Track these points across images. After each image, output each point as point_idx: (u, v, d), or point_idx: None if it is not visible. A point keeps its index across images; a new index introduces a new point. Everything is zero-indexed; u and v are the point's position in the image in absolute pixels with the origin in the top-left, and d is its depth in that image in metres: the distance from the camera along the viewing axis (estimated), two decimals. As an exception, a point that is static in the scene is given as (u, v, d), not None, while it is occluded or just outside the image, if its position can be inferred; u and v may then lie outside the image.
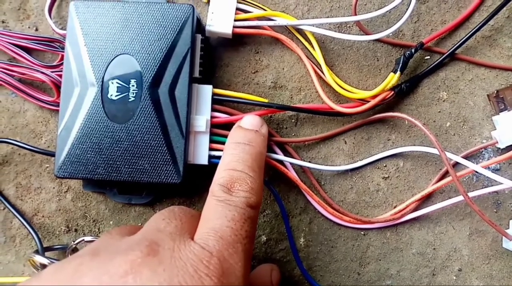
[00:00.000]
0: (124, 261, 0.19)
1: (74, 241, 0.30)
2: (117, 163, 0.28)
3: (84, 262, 0.19)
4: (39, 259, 0.28)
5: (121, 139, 0.28)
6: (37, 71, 0.31)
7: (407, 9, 0.29)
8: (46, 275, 0.20)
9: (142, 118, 0.28)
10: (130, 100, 0.28)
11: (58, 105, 0.31)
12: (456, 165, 0.30)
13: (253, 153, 0.25)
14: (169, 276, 0.18)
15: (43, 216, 0.32)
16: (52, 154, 0.31)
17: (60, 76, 0.30)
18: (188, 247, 0.20)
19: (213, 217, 0.22)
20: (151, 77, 0.28)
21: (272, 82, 0.32)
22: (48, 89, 0.32)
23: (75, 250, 0.31)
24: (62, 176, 0.28)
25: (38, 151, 0.30)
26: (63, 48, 0.31)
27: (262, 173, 0.25)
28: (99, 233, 0.32)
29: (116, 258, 0.19)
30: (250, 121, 0.27)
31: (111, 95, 0.28)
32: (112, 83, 0.28)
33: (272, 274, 0.28)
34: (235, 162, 0.24)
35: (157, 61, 0.28)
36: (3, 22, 0.33)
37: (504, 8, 0.31)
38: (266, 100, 0.30)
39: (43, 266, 0.28)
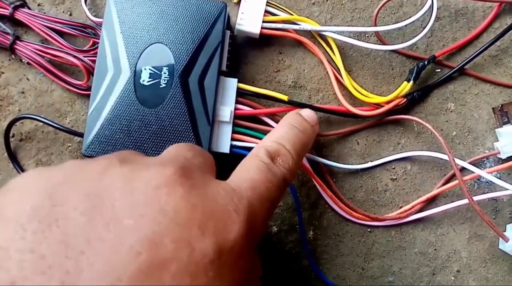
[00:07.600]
0: (160, 174, 0.17)
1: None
2: (145, 145, 0.29)
3: (112, 166, 0.17)
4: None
5: (150, 123, 0.29)
6: (70, 55, 0.32)
7: (424, 26, 0.31)
8: (68, 168, 0.17)
9: (172, 104, 0.29)
10: (161, 86, 0.29)
11: (85, 89, 0.33)
12: (461, 170, 0.32)
13: (303, 141, 0.26)
14: (201, 200, 0.17)
15: (61, 194, 0.33)
16: (76, 133, 0.32)
17: (91, 61, 0.31)
18: (219, 184, 0.19)
19: (254, 171, 0.22)
20: (182, 67, 0.29)
21: (292, 81, 0.34)
22: (77, 72, 0.33)
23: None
24: (90, 155, 0.29)
25: (62, 128, 0.31)
26: (95, 34, 0.33)
27: (301, 162, 0.26)
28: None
29: (150, 169, 0.18)
30: (309, 114, 0.29)
31: (143, 80, 0.29)
32: (145, 69, 0.29)
33: None
34: (286, 140, 0.25)
35: (189, 52, 0.29)
36: (39, 5, 0.34)
37: (511, 31, 0.33)
38: (286, 98, 0.32)
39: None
